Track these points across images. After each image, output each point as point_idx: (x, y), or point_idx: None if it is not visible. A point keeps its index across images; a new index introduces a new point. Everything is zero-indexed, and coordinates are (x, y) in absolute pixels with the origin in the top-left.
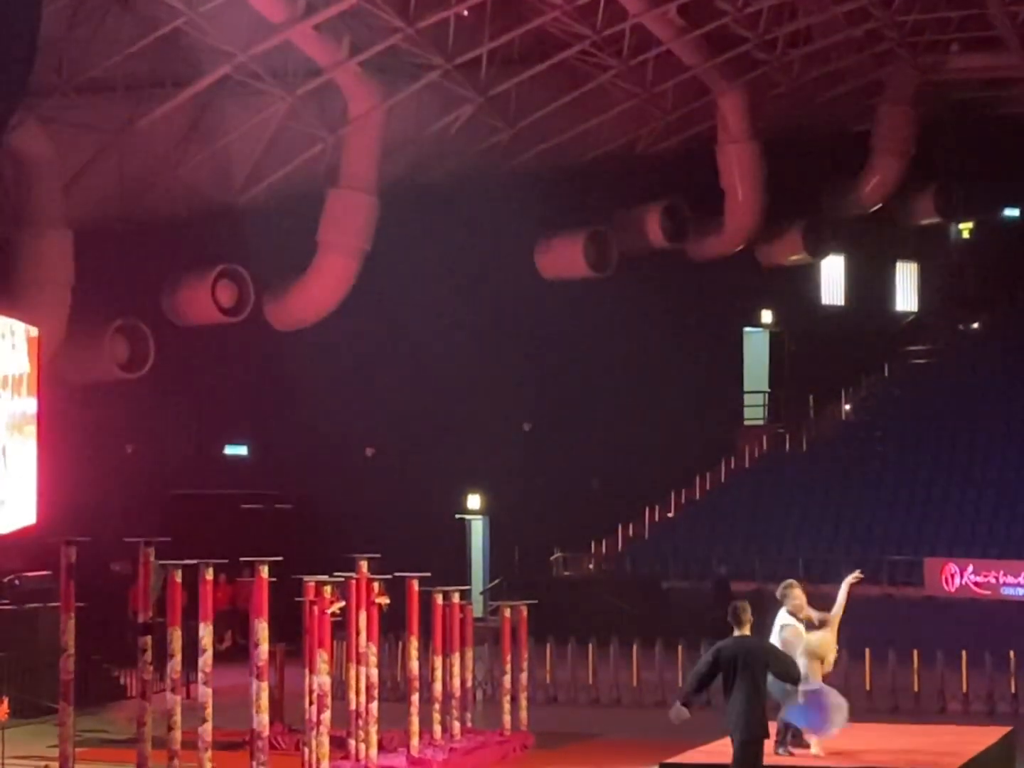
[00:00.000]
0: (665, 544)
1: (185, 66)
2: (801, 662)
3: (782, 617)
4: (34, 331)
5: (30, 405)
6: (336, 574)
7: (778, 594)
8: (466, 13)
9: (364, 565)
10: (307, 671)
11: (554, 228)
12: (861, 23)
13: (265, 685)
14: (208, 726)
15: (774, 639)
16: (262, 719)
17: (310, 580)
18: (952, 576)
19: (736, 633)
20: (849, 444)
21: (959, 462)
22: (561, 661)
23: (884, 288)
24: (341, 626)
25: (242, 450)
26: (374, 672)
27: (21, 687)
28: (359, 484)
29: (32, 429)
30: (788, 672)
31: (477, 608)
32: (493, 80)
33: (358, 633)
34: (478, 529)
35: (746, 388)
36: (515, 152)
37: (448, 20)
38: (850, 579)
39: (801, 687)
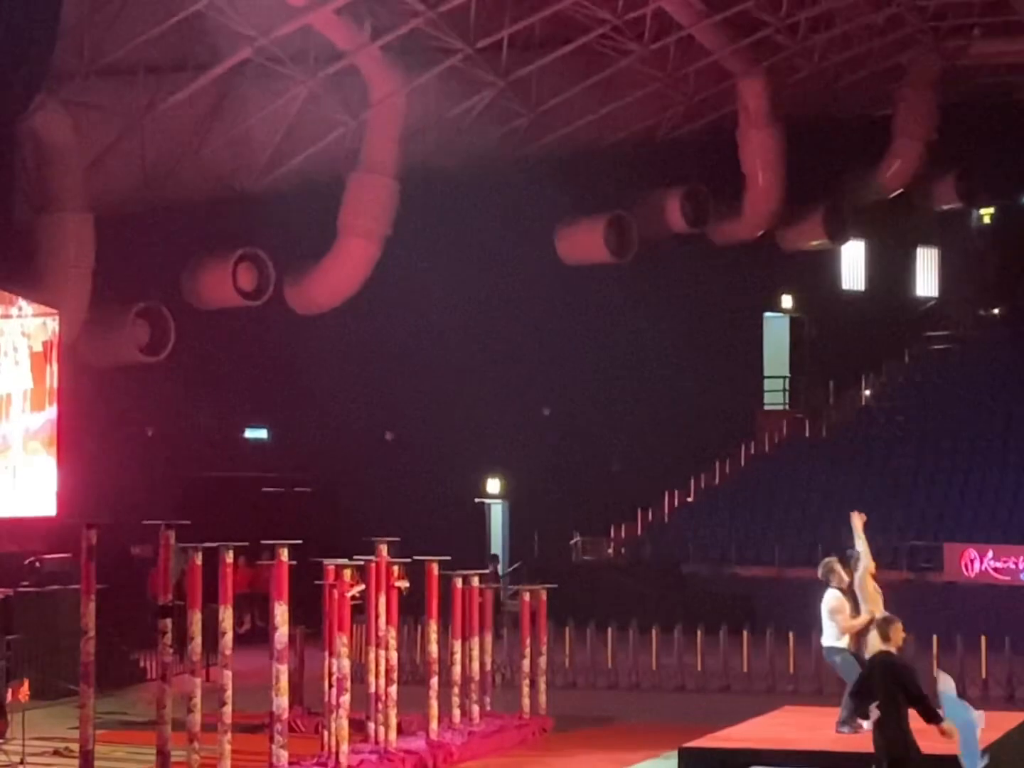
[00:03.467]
0: (685, 529)
1: (206, 50)
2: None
3: (829, 593)
4: (39, 345)
5: (35, 421)
6: (356, 557)
7: (820, 574)
8: None
9: (384, 549)
10: (327, 654)
11: (574, 213)
12: (883, 8)
13: (285, 668)
14: (228, 709)
15: (825, 615)
16: (281, 702)
17: (330, 563)
18: (972, 562)
19: (881, 647)
20: (869, 429)
21: (979, 448)
22: (580, 645)
23: (904, 273)
24: (361, 609)
25: (262, 433)
26: (393, 655)
27: (42, 669)
28: (379, 468)
29: (37, 445)
30: (926, 712)
31: None
32: (514, 64)
33: (378, 616)
34: (498, 513)
35: (766, 373)
36: (536, 137)
37: (469, 4)
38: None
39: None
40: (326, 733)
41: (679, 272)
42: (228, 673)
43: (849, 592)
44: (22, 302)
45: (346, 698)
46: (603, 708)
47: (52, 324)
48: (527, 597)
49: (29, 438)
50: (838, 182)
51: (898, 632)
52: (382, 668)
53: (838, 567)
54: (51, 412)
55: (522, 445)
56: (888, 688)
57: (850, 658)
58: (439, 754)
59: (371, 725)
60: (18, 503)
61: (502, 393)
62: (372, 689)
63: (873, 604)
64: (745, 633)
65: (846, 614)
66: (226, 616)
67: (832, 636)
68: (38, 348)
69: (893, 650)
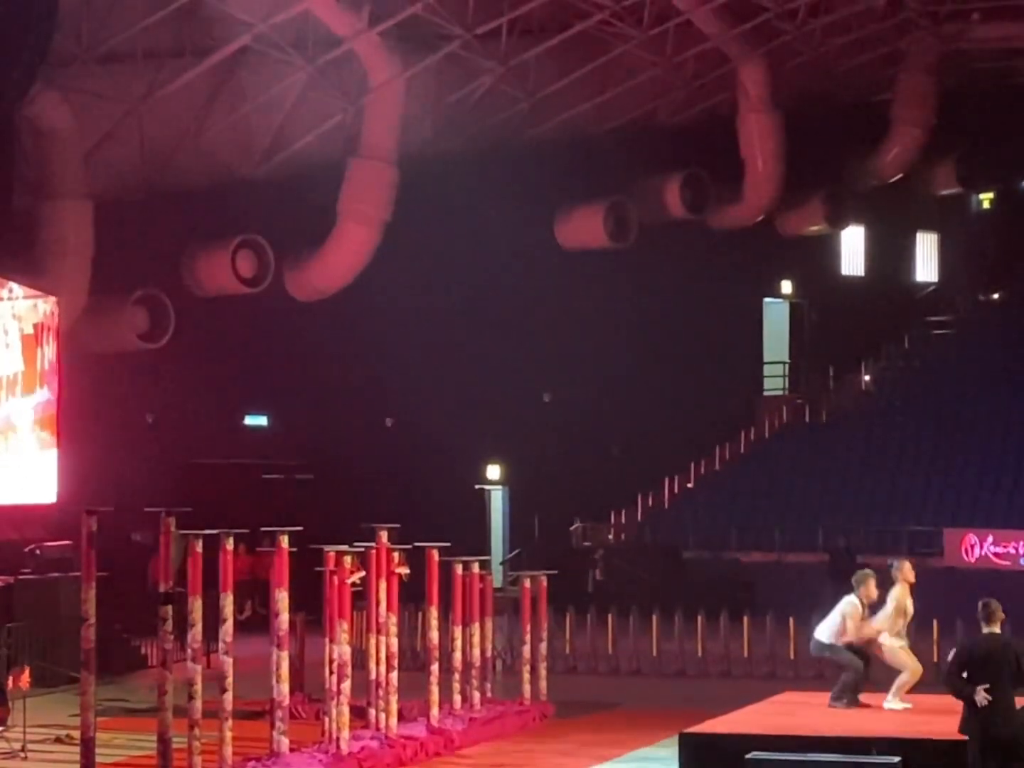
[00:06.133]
0: (685, 514)
1: (205, 36)
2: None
3: (848, 599)
4: (29, 327)
5: (25, 405)
6: (356, 544)
7: (853, 580)
8: None
9: (384, 535)
10: (327, 641)
11: (574, 198)
12: None
13: (285, 655)
14: (229, 695)
15: (836, 615)
16: (282, 689)
17: (330, 550)
18: (972, 547)
19: (985, 630)
20: (869, 415)
21: (979, 433)
22: (580, 631)
23: (904, 258)
24: (361, 596)
25: (262, 420)
26: (394, 642)
27: (43, 656)
28: (379, 454)
29: (28, 427)
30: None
31: (497, 578)
32: (513, 50)
33: (378, 603)
34: (498, 499)
35: (766, 359)
36: (535, 122)
37: None
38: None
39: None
40: (327, 719)
41: (678, 258)
42: (229, 660)
43: (868, 608)
44: (13, 284)
45: (347, 684)
46: (604, 694)
47: (44, 306)
48: (527, 583)
49: (22, 420)
50: (837, 167)
51: (999, 612)
52: (383, 655)
53: (872, 583)
54: (41, 395)
55: (522, 431)
56: (1010, 669)
57: (842, 649)
58: (440, 740)
59: (372, 711)
60: (18, 488)
61: (502, 379)
62: (373, 676)
63: (894, 622)
64: (745, 618)
65: (857, 622)
66: (226, 603)
67: (829, 634)
68: (29, 331)
69: (998, 631)
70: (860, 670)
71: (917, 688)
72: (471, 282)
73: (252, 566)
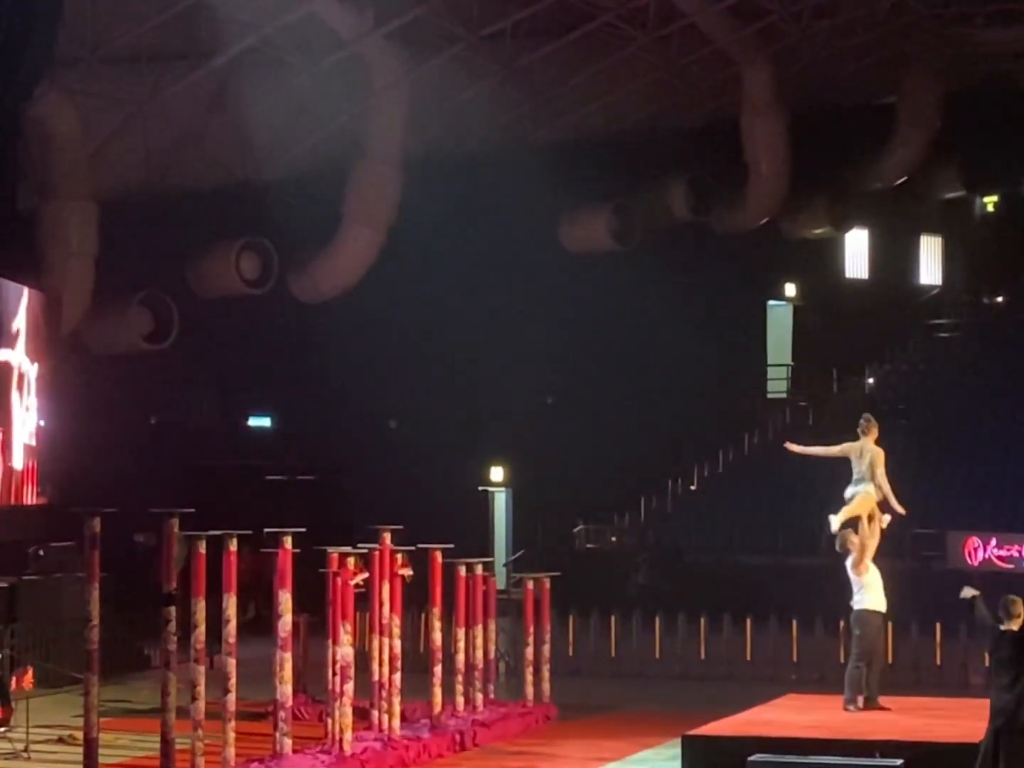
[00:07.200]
0: (688, 517)
1: (210, 38)
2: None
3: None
4: None
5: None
6: (360, 545)
7: (837, 547)
8: None
9: (387, 536)
10: (330, 642)
11: (578, 201)
12: None
13: (289, 656)
14: (232, 696)
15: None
16: (285, 690)
17: (334, 551)
18: (975, 550)
19: (1003, 627)
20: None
21: (982, 435)
22: (584, 633)
23: (908, 261)
24: (364, 597)
25: (266, 421)
26: (397, 643)
27: (46, 657)
28: (382, 456)
29: None
30: None
31: (500, 580)
32: (517, 52)
33: (381, 604)
34: (501, 501)
35: (769, 361)
36: (539, 125)
37: None
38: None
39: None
40: (329, 721)
41: (682, 260)
42: (232, 661)
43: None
44: None
45: (350, 686)
46: (607, 696)
47: None
48: (531, 585)
49: None
50: (841, 170)
51: (1019, 607)
52: (386, 656)
53: (852, 536)
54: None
55: (525, 433)
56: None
57: (870, 634)
58: (442, 742)
59: (375, 713)
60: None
61: (505, 381)
62: (376, 677)
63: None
64: (748, 621)
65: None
66: (230, 604)
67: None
68: None
69: (1015, 628)
70: (870, 656)
71: (919, 691)
72: (475, 284)
73: (255, 567)
